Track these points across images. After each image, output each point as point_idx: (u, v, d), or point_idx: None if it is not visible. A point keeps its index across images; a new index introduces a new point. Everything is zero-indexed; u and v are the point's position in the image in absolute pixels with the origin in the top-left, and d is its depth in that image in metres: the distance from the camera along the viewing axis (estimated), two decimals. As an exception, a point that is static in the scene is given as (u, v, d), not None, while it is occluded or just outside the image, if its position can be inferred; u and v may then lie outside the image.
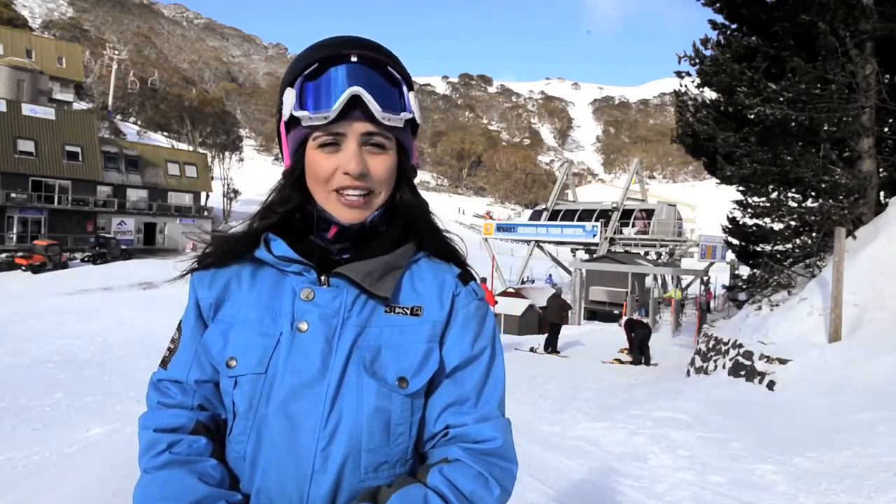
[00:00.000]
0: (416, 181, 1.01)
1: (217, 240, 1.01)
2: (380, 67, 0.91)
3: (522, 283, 28.38)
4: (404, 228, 0.98)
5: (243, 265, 0.97)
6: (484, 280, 16.99)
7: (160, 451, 0.89)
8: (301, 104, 0.89)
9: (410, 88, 0.94)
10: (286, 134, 0.94)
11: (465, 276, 1.00)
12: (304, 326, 0.90)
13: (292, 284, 0.93)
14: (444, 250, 1.01)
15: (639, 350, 13.42)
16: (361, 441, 0.87)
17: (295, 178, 0.94)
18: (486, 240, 30.46)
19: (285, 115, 0.91)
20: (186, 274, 1.01)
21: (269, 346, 0.90)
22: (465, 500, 0.85)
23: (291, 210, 0.96)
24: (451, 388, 0.93)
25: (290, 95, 0.90)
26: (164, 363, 1.00)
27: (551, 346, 14.78)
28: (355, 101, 0.87)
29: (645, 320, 16.19)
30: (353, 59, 0.89)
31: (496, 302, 15.60)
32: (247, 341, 0.92)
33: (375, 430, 0.88)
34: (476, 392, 0.94)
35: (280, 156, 1.00)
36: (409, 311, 0.94)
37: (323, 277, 0.92)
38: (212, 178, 48.29)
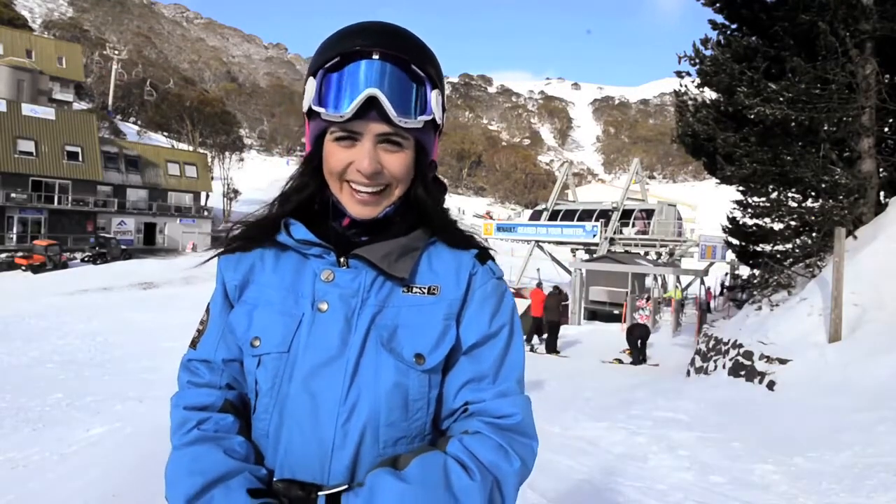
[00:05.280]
0: None
1: (242, 225, 1.03)
2: (403, 65, 0.89)
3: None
4: (418, 219, 0.99)
5: (267, 249, 0.99)
6: (539, 285, 16.90)
7: (189, 428, 0.92)
8: (320, 99, 0.90)
9: (435, 86, 0.92)
10: (308, 122, 0.95)
11: (483, 255, 1.01)
12: (324, 306, 0.92)
13: (313, 267, 0.95)
14: (459, 240, 1.01)
15: (638, 348, 13.44)
16: (380, 416, 0.89)
17: (313, 167, 0.96)
18: (486, 240, 30.34)
19: (305, 107, 0.92)
20: (214, 258, 1.04)
21: (292, 326, 0.92)
22: (485, 469, 0.86)
23: (309, 197, 0.98)
24: (469, 365, 0.95)
25: (311, 86, 0.91)
26: (194, 343, 1.03)
27: (551, 346, 14.78)
28: (372, 101, 0.86)
29: (643, 321, 16.18)
30: (376, 56, 0.88)
31: (545, 298, 15.28)
32: (270, 321, 0.94)
33: (394, 405, 0.89)
34: (494, 369, 0.95)
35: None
36: (426, 291, 0.95)
37: (342, 259, 0.94)
38: (212, 178, 48.26)
